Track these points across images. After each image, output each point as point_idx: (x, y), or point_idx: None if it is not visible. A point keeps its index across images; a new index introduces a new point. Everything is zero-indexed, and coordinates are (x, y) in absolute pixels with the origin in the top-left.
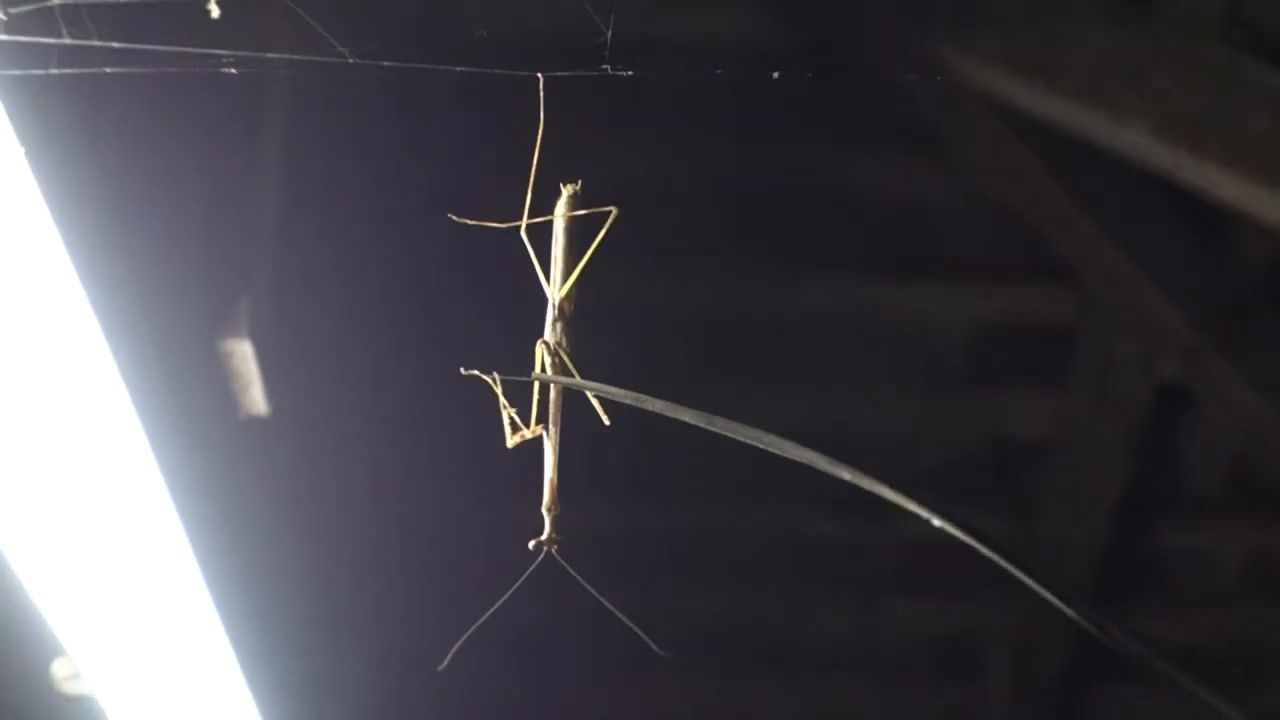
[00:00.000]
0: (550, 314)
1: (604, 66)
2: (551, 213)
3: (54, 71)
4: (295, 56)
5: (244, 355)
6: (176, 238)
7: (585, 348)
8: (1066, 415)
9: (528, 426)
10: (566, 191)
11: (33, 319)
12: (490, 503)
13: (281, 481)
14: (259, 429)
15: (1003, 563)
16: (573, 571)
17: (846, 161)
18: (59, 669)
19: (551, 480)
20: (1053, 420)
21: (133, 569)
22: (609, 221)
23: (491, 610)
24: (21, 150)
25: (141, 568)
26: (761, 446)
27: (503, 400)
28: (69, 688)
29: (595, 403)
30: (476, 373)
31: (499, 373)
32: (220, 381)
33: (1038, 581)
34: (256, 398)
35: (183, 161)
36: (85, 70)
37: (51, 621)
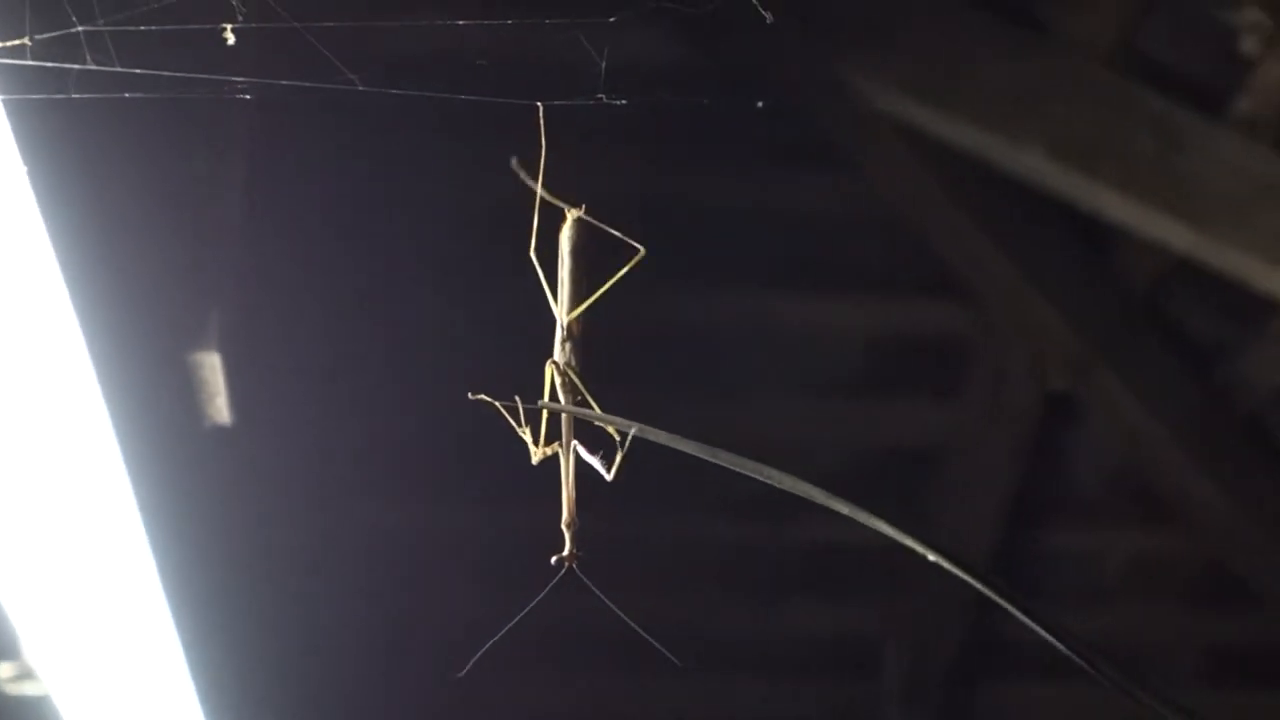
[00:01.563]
0: (559, 334)
1: (599, 96)
2: (557, 237)
3: (75, 96)
4: (306, 83)
5: (212, 366)
6: (158, 250)
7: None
8: (958, 423)
9: (543, 444)
10: (571, 215)
11: (16, 320)
12: (454, 513)
13: (244, 490)
14: (223, 438)
15: (995, 596)
16: (594, 588)
17: (750, 177)
18: (3, 671)
19: (569, 497)
20: (945, 428)
21: (92, 573)
22: (635, 260)
23: (513, 622)
24: (24, 169)
25: (101, 572)
26: (760, 479)
27: (512, 423)
28: (13, 689)
29: (611, 430)
30: (485, 398)
31: (503, 395)
32: (188, 390)
33: (1027, 614)
34: (221, 408)
35: (168, 180)
36: (104, 95)
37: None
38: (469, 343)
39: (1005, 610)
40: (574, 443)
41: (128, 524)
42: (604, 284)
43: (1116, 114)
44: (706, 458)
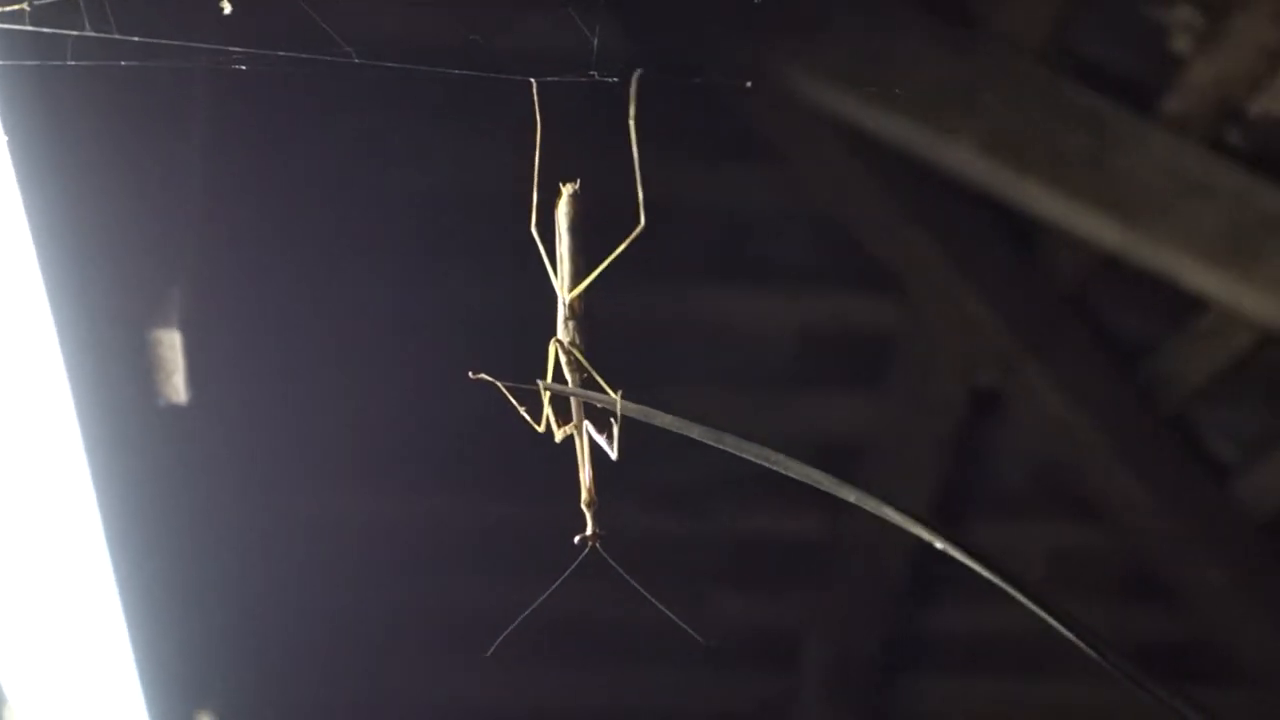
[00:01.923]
0: (561, 313)
1: (591, 73)
2: (553, 212)
3: (71, 63)
4: (303, 55)
5: (171, 344)
6: (125, 225)
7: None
8: (885, 417)
9: (557, 425)
10: (566, 191)
11: None
12: (405, 496)
13: (196, 468)
14: (179, 416)
15: (1002, 583)
16: (618, 567)
17: (680, 169)
18: None
19: (585, 477)
20: (872, 421)
21: (40, 548)
22: (634, 234)
23: (536, 604)
24: (4, 139)
25: (49, 548)
26: (767, 465)
27: (514, 403)
28: None
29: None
30: (485, 377)
31: (502, 374)
32: (146, 368)
33: (1032, 599)
34: (178, 386)
35: (138, 157)
36: (101, 63)
37: None
38: (434, 326)
39: (928, 604)
40: (586, 423)
41: (79, 497)
42: (604, 260)
43: (1048, 110)
44: (711, 442)
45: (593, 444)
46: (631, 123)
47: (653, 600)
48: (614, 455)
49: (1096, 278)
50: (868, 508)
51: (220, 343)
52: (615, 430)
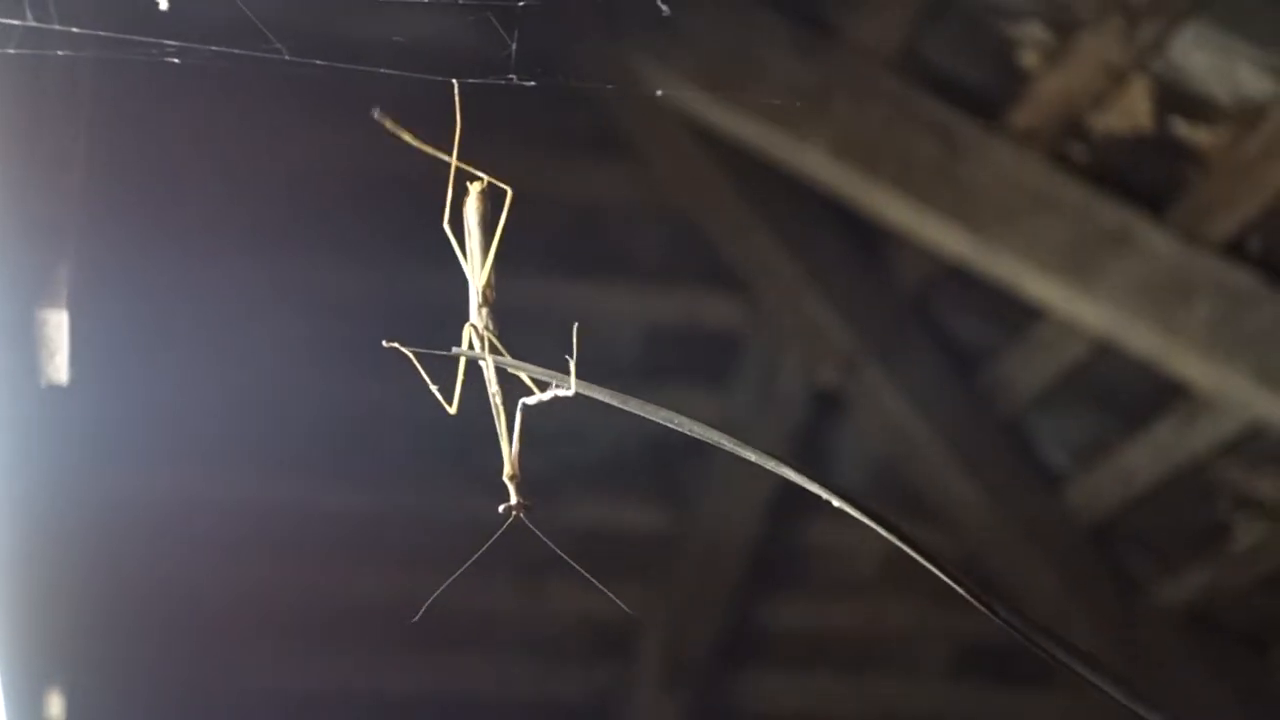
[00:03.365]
0: (474, 300)
1: (510, 76)
2: (462, 209)
3: (12, 51)
4: (234, 50)
5: (58, 324)
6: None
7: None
8: (729, 415)
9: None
10: (474, 189)
11: None
12: (270, 481)
13: (74, 451)
14: (58, 397)
15: (901, 543)
16: (545, 539)
17: (532, 162)
18: None
19: (508, 451)
20: (716, 419)
21: None
22: (508, 201)
23: (458, 573)
24: None
25: None
26: (696, 436)
27: (424, 376)
28: None
29: (528, 380)
30: (397, 345)
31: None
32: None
33: (964, 588)
34: (60, 367)
35: (21, 138)
36: (40, 51)
37: None
38: (319, 313)
39: (763, 599)
40: (496, 393)
41: None
42: (494, 239)
43: (898, 118)
44: (648, 415)
45: (510, 419)
46: (458, 126)
47: (586, 575)
48: (570, 390)
49: (940, 284)
50: (808, 487)
51: (98, 324)
52: (544, 397)
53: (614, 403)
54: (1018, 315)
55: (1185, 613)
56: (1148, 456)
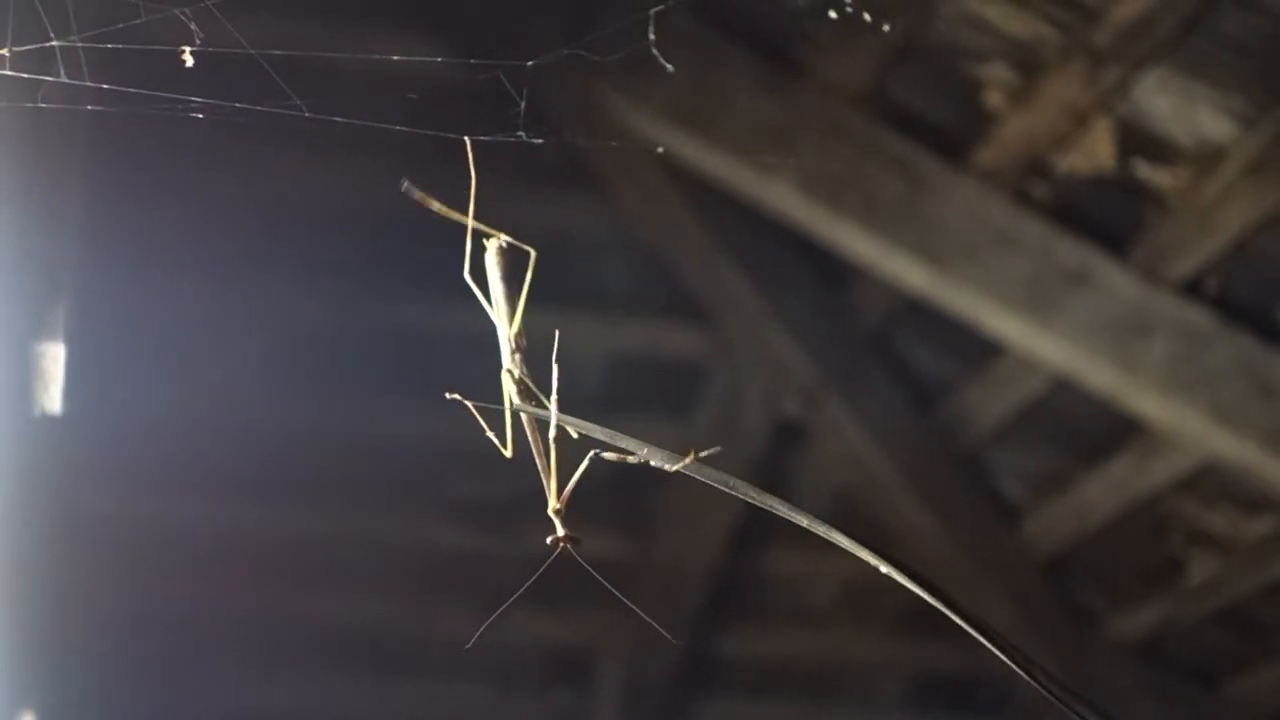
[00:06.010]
0: (507, 347)
1: (519, 134)
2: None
3: (41, 105)
4: (258, 107)
5: (54, 356)
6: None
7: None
8: (691, 444)
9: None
10: (492, 246)
11: None
12: (244, 506)
13: (51, 476)
14: (49, 426)
15: (941, 605)
16: (590, 569)
17: (503, 191)
18: None
19: (550, 487)
20: (678, 448)
21: None
22: (531, 262)
23: (509, 602)
24: None
25: None
26: (728, 490)
27: (482, 424)
28: None
29: (570, 430)
30: (459, 398)
31: (475, 399)
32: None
33: (966, 620)
34: (55, 397)
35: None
36: (69, 106)
37: None
38: (303, 344)
39: (721, 626)
40: (538, 438)
41: None
42: (520, 294)
43: (864, 155)
44: (673, 467)
45: (546, 455)
46: (473, 182)
47: (627, 602)
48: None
49: (901, 318)
50: (819, 532)
51: (91, 355)
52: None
53: (609, 441)
54: (978, 350)
55: (1138, 647)
56: (1104, 491)
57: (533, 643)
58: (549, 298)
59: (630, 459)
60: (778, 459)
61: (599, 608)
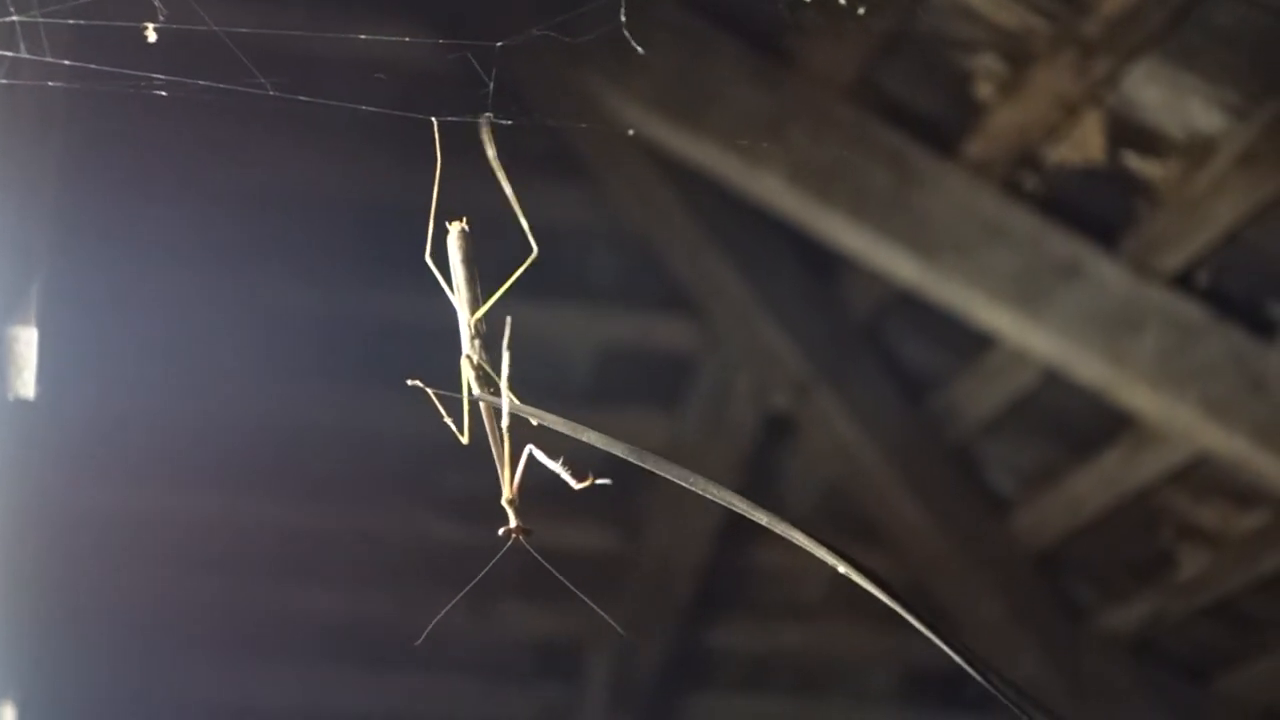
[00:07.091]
0: (467, 332)
1: (487, 114)
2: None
3: (3, 82)
4: (221, 85)
5: (28, 340)
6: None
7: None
8: (681, 437)
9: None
10: (454, 228)
11: None
12: (224, 498)
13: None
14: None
15: (899, 607)
16: (543, 560)
17: (490, 182)
18: None
19: (505, 477)
20: (667, 441)
21: None
22: (529, 261)
23: (460, 595)
24: None
25: None
26: (686, 485)
27: (440, 411)
28: None
29: (532, 420)
30: (419, 384)
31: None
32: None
33: (925, 624)
34: (28, 382)
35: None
36: (32, 83)
37: None
38: (282, 333)
39: (710, 622)
40: (495, 425)
41: None
42: (503, 284)
43: (854, 146)
44: (633, 460)
45: (513, 449)
46: (494, 163)
47: (584, 599)
48: (575, 486)
49: (891, 310)
50: (779, 531)
51: (66, 339)
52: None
53: (624, 455)
54: (968, 343)
55: (1129, 641)
56: (1094, 485)
57: (522, 636)
58: (537, 290)
59: (550, 466)
60: (767, 451)
61: (589, 604)
